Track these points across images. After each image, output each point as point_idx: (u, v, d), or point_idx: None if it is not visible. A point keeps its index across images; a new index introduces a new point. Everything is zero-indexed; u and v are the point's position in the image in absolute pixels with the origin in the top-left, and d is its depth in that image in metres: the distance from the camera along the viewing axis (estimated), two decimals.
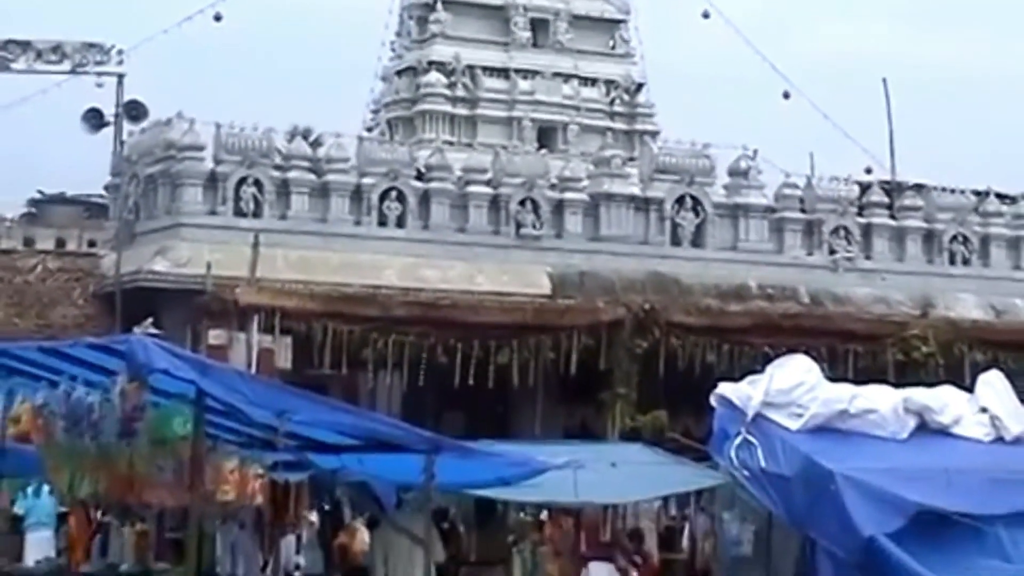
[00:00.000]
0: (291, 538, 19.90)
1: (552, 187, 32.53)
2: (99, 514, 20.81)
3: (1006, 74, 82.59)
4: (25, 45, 38.57)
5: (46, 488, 20.06)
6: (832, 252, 33.93)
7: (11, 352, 13.40)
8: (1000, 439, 16.43)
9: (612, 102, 37.32)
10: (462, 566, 19.51)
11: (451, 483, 14.70)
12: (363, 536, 20.43)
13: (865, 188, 35.33)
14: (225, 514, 16.87)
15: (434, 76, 35.76)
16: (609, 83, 37.38)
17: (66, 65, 38.44)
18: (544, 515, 21.53)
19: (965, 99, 79.94)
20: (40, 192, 47.51)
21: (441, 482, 13.63)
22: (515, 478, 14.76)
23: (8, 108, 39.01)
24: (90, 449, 12.17)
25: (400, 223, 31.51)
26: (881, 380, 19.07)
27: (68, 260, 32.30)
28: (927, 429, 16.29)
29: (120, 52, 38.26)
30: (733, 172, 34.08)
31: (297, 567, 19.74)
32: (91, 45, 38.36)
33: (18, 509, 22.13)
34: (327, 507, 20.96)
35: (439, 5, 36.88)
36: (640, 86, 37.75)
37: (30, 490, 21.30)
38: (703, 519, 22.74)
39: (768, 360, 18.01)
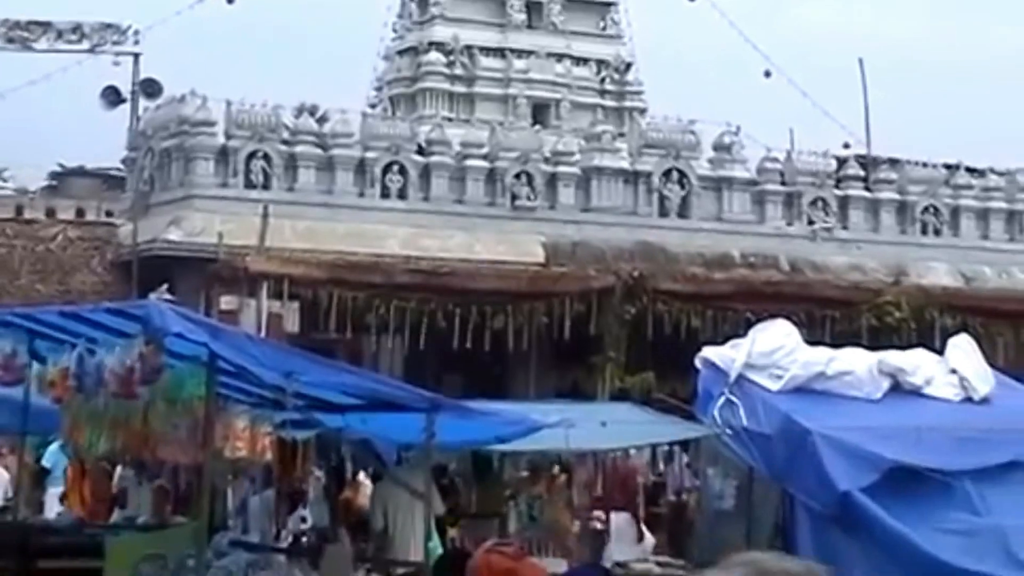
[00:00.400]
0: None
1: (546, 161, 32.52)
2: (117, 470, 20.83)
3: (976, 55, 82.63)
4: (46, 26, 38.47)
5: None
6: (811, 223, 33.94)
7: (34, 316, 13.45)
8: (969, 399, 16.48)
9: (603, 81, 37.22)
10: (461, 518, 19.54)
11: (450, 441, 14.72)
12: (367, 491, 20.49)
13: (842, 162, 35.32)
14: (236, 470, 16.91)
15: (434, 56, 35.67)
16: (600, 63, 37.28)
17: (85, 45, 38.33)
18: (556, 469, 21.60)
19: (938, 78, 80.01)
20: (61, 165, 47.52)
21: (441, 440, 13.65)
22: (511, 436, 14.79)
23: (30, 86, 39.06)
24: (107, 408, 12.21)
25: (402, 195, 31.50)
26: (856, 343, 19.12)
27: (87, 229, 32.31)
28: (900, 390, 16.34)
29: (136, 32, 38.17)
30: (717, 147, 34.07)
31: (303, 520, 19.78)
32: (108, 26, 38.23)
33: (46, 463, 22.15)
34: (333, 463, 21.00)
35: None
36: (629, 65, 37.64)
37: (57, 445, 21.28)
38: (688, 475, 22.82)
39: (750, 325, 18.06)
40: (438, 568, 10.66)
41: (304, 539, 17.86)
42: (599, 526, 17.73)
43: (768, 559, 2.90)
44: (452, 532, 18.95)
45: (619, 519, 19.78)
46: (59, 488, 22.14)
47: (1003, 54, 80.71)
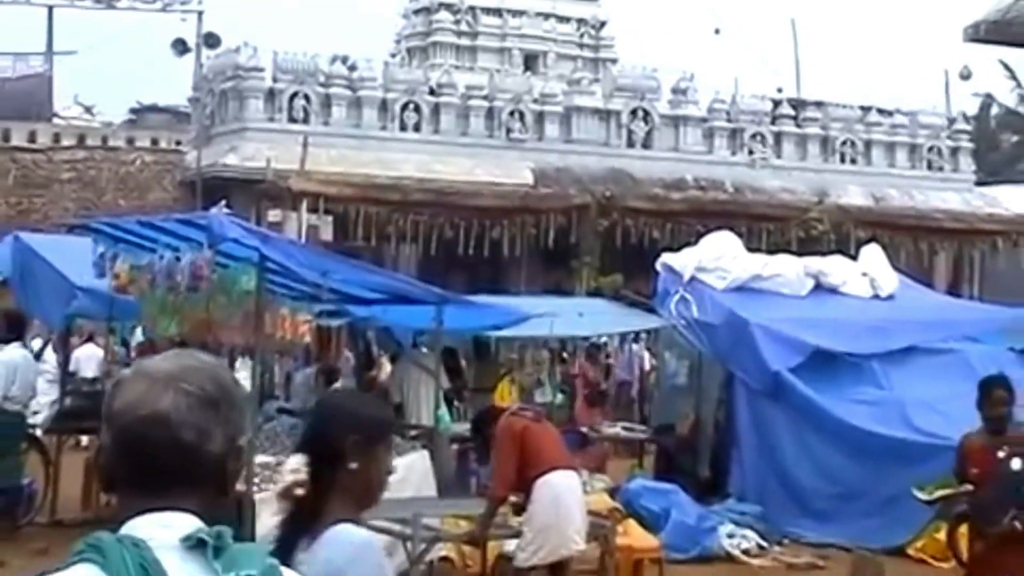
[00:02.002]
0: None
1: (534, 101, 32.40)
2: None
3: (889, 12, 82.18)
4: None
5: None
6: (751, 153, 33.85)
7: (118, 225, 13.43)
8: (877, 296, 16.56)
9: (581, 36, 36.93)
10: (464, 391, 19.60)
11: (455, 328, 14.75)
12: (387, 369, 20.52)
13: (776, 104, 35.21)
14: (281, 351, 16.90)
15: (443, 15, 35.38)
16: (579, 21, 36.96)
17: (158, 4, 38.07)
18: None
19: (859, 34, 79.60)
20: (139, 103, 47.18)
21: (447, 327, 13.66)
22: (505, 324, 14.83)
23: (115, 38, 38.93)
24: (177, 300, 12.19)
25: (417, 129, 31.38)
26: (787, 251, 19.17)
27: (161, 155, 32.22)
28: (821, 288, 16.41)
29: None
30: (675, 90, 33.91)
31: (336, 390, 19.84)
32: None
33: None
34: (360, 347, 21.03)
35: None
36: (603, 23, 37.32)
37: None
38: (648, 357, 22.88)
39: (700, 236, 18.07)
40: (477, 421, 10.65)
41: None
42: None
43: (154, 361, 2.67)
44: (457, 404, 19.01)
45: None
46: None
47: (915, 15, 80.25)
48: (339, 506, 3.83)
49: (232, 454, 2.60)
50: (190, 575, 2.40)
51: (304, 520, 3.82)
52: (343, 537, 3.76)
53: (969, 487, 8.60)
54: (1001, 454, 8.09)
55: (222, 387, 2.62)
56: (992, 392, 8.69)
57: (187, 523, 2.46)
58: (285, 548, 3.77)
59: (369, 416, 4.02)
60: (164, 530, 2.45)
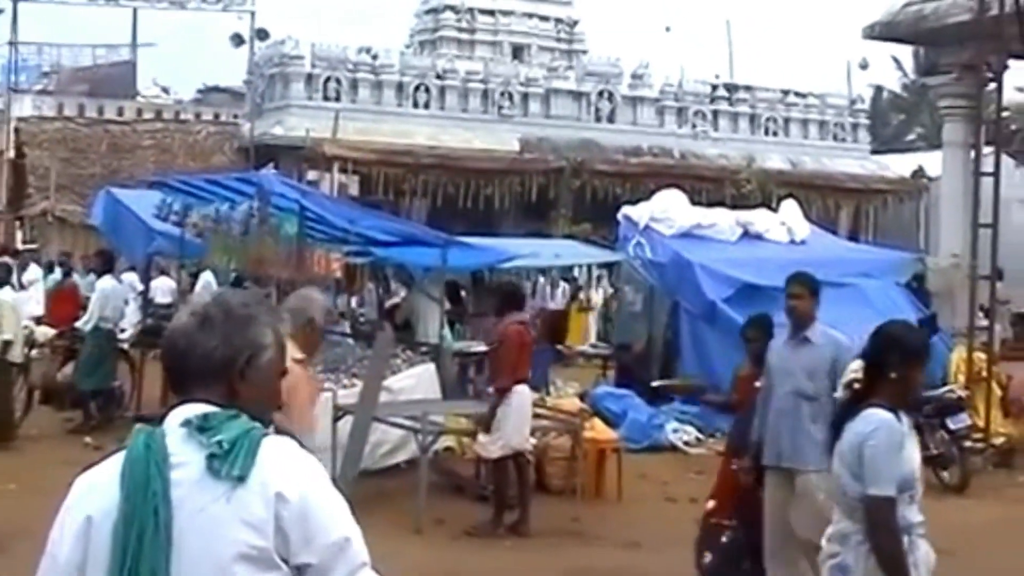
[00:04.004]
0: (354, 299, 20.02)
1: (521, 85, 32.27)
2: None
3: (805, 13, 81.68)
4: None
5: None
6: (694, 127, 33.74)
7: (188, 182, 13.42)
8: (792, 241, 16.55)
9: (559, 32, 36.57)
10: (463, 315, 19.61)
11: (457, 265, 14.73)
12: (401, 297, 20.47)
13: (715, 87, 35.06)
14: (316, 282, 16.87)
15: (448, 14, 35.06)
16: (557, 20, 36.56)
17: (220, 5, 37.62)
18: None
19: (777, 30, 79.07)
20: (204, 84, 46.63)
21: (450, 265, 13.65)
22: (497, 261, 14.82)
23: (183, 32, 38.64)
24: (236, 241, 12.17)
25: (426, 106, 31.26)
26: (721, 205, 19.15)
27: (221, 127, 31.95)
28: (749, 235, 16.39)
29: None
30: (634, 76, 33.74)
31: (362, 315, 19.85)
32: None
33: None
34: (380, 279, 21.02)
35: None
36: (576, 22, 36.99)
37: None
38: (611, 289, 22.85)
39: (653, 193, 18.02)
40: (504, 293, 10.04)
41: (362, 327, 17.95)
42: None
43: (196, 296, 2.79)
44: (458, 326, 18.99)
45: None
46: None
47: (824, 16, 79.73)
48: (877, 397, 4.51)
49: (236, 360, 2.58)
50: (183, 447, 2.49)
51: (853, 404, 4.57)
52: (870, 416, 4.48)
53: (694, 384, 8.60)
54: (758, 384, 7.84)
55: (224, 308, 2.61)
56: (746, 330, 8.67)
57: (192, 411, 2.54)
58: (839, 421, 4.60)
59: (907, 342, 4.63)
60: (175, 418, 2.56)
